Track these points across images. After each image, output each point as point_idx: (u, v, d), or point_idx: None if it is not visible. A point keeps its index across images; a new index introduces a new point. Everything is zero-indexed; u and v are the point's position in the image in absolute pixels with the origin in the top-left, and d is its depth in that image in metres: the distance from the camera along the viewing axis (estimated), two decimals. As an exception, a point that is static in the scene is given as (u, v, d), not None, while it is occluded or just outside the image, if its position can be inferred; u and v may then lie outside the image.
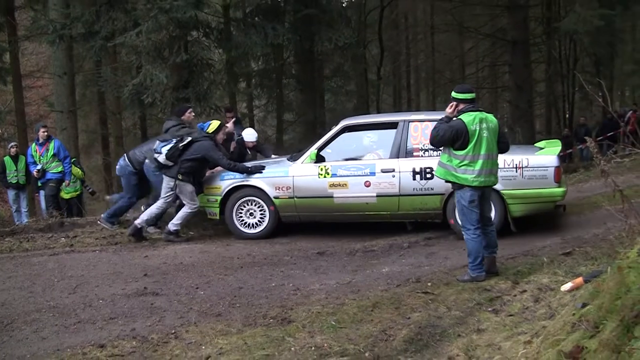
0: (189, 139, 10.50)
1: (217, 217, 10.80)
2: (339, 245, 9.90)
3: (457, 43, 33.53)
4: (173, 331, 6.50)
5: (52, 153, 13.84)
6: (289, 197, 10.30)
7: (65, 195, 14.51)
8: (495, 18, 28.46)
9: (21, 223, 13.16)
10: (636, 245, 5.09)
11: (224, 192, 10.56)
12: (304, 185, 10.23)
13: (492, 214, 9.27)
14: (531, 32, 27.07)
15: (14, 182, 14.91)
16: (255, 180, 10.44)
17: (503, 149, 7.73)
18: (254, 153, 12.41)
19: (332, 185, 10.08)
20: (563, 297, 6.03)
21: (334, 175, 10.07)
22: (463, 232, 7.52)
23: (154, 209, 10.73)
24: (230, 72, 20.17)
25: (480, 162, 7.26)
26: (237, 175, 10.52)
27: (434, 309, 6.62)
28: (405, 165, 9.74)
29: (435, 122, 7.57)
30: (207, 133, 10.64)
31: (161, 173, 10.63)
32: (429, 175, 9.55)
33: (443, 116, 7.56)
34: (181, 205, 10.82)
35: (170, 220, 10.78)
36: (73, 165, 14.43)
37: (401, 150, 9.90)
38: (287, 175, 10.33)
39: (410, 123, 9.96)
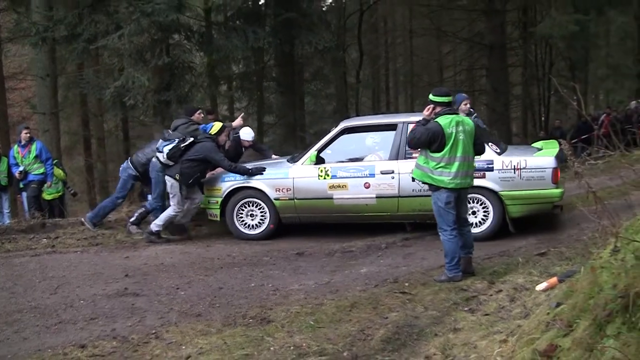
0: (191, 139, 10.52)
1: (218, 219, 10.79)
2: (318, 246, 9.96)
3: (435, 47, 33.65)
4: (153, 331, 6.53)
5: (34, 155, 13.76)
6: (289, 199, 10.32)
7: (47, 196, 14.44)
8: (472, 22, 28.60)
9: (3, 224, 13.08)
10: (609, 245, 5.19)
11: (225, 194, 10.56)
12: (304, 186, 10.25)
13: (490, 214, 9.40)
14: (508, 36, 27.26)
15: (-4, 183, 14.81)
16: (255, 182, 10.45)
17: (479, 151, 7.84)
18: (249, 152, 12.38)
19: (332, 187, 10.10)
20: (538, 297, 6.11)
21: (333, 176, 10.10)
22: (439, 233, 7.61)
23: (188, 205, 10.77)
24: (211, 75, 20.12)
25: (456, 164, 7.36)
26: (238, 177, 10.52)
27: (411, 308, 6.69)
28: (405, 167, 9.71)
29: None
30: (210, 134, 10.65)
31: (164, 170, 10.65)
32: None
33: (420, 118, 7.66)
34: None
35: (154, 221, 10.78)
36: (55, 167, 14.37)
37: (400, 152, 9.91)
38: (287, 177, 10.35)
39: (409, 124, 9.94)
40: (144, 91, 14.41)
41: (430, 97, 7.62)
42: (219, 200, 10.61)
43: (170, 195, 10.60)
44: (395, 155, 9.91)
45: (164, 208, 10.92)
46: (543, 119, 32.09)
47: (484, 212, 9.55)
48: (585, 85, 35.01)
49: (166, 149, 10.43)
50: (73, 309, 7.41)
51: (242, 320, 6.72)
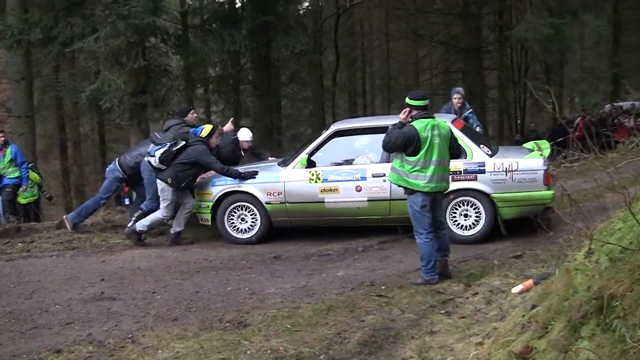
0: (183, 142, 10.44)
1: (209, 223, 10.70)
2: (295, 249, 9.95)
3: (412, 50, 33.75)
4: (130, 336, 6.49)
5: (9, 158, 13.64)
6: (281, 203, 10.26)
7: (22, 200, 14.33)
8: (449, 26, 28.72)
9: (-22, 228, 12.99)
10: (583, 248, 5.22)
11: (216, 198, 10.50)
12: (295, 190, 10.19)
13: (482, 217, 9.41)
14: (484, 39, 27.44)
15: (-29, 187, 14.68)
16: (246, 186, 10.37)
17: (455, 155, 7.87)
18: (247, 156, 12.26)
19: (324, 191, 10.05)
20: (514, 299, 6.15)
21: (325, 180, 10.04)
22: (415, 237, 7.63)
23: (181, 211, 10.72)
24: (187, 78, 20.14)
25: (431, 168, 7.38)
26: (229, 181, 10.45)
27: (387, 311, 6.70)
28: None
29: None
30: (200, 137, 10.58)
31: (156, 174, 10.58)
32: None
33: (396, 122, 7.67)
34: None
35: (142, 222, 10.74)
36: (30, 171, 14.25)
37: (392, 155, 9.88)
38: (278, 181, 10.28)
39: None
40: (120, 94, 14.37)
41: (407, 100, 7.64)
42: (210, 204, 10.53)
43: (161, 199, 10.53)
44: (387, 158, 9.84)
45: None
46: (519, 122, 32.32)
47: (476, 214, 9.52)
48: (561, 88, 35.35)
49: (158, 153, 10.35)
50: (48, 313, 7.35)
51: (218, 324, 6.70)
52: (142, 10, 13.35)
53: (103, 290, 8.12)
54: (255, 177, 10.38)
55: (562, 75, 35.12)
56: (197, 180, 10.77)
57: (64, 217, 11.84)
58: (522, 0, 25.13)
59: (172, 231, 10.67)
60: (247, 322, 6.68)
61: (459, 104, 11.61)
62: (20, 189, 13.97)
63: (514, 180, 9.36)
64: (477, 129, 11.13)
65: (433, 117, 7.59)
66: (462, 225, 9.56)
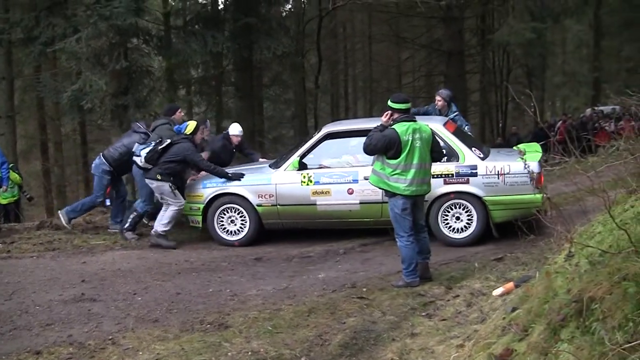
0: (168, 141, 10.34)
1: (200, 225, 10.63)
2: (276, 251, 9.94)
3: (394, 53, 33.85)
4: (110, 337, 6.47)
5: (-11, 159, 13.57)
6: (272, 205, 10.20)
7: (2, 200, 14.26)
8: (431, 29, 28.86)
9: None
10: (563, 251, 5.25)
11: (207, 200, 10.43)
12: (287, 192, 10.13)
13: (474, 220, 9.41)
14: (466, 43, 27.59)
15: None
16: (237, 188, 10.31)
17: (436, 158, 7.88)
18: (235, 154, 12.15)
19: (315, 193, 10.01)
20: (494, 302, 6.17)
21: (316, 182, 10.00)
22: (396, 239, 7.63)
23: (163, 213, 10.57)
24: (169, 80, 20.10)
25: (412, 171, 7.39)
26: (219, 183, 10.39)
27: (369, 313, 6.70)
28: None
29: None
30: (185, 134, 10.50)
31: (143, 174, 10.51)
32: None
33: (378, 124, 7.68)
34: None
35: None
36: (11, 171, 14.15)
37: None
38: (269, 183, 10.22)
39: None
40: (101, 95, 14.33)
41: (389, 103, 7.65)
42: (201, 206, 10.46)
43: (163, 197, 10.37)
44: None
45: (157, 209, 10.80)
46: (500, 125, 32.47)
47: (468, 217, 9.51)
48: (542, 92, 35.57)
49: (143, 153, 10.28)
50: (28, 314, 7.30)
51: (199, 326, 6.69)
52: (124, 11, 13.32)
53: (84, 291, 8.07)
54: (241, 179, 10.35)
55: (543, 79, 35.33)
56: (188, 181, 10.73)
57: (59, 212, 11.75)
58: (505, 4, 25.33)
59: (153, 232, 10.60)
60: (228, 323, 6.67)
61: (439, 106, 11.60)
62: (1, 189, 13.87)
63: (506, 183, 9.35)
64: (465, 129, 11.12)
65: (415, 121, 7.59)
66: (454, 228, 9.57)
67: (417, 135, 7.42)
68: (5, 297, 7.99)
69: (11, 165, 14.56)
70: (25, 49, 16.09)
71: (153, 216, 10.92)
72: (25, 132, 27.96)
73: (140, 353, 6.04)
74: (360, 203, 9.85)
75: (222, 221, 10.45)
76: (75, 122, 23.99)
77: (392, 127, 7.45)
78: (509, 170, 9.34)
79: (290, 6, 27.34)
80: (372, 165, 7.91)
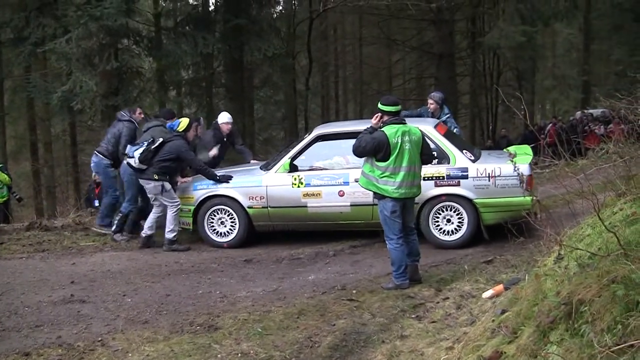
0: (160, 139, 10.27)
1: (191, 227, 10.58)
2: (266, 253, 9.92)
3: (385, 55, 33.89)
4: (99, 339, 6.46)
5: (-21, 160, 13.54)
6: (263, 207, 10.17)
7: (-9, 201, 14.24)
8: (422, 32, 28.89)
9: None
10: (553, 253, 5.28)
11: (197, 202, 10.39)
12: (278, 195, 10.10)
13: (465, 222, 9.41)
14: (456, 46, 27.66)
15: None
16: (229, 190, 10.27)
17: (426, 161, 7.89)
18: (228, 147, 12.11)
19: (306, 195, 9.97)
20: (484, 304, 6.19)
21: (307, 184, 9.96)
22: (386, 242, 7.64)
23: (153, 215, 10.50)
24: (160, 81, 20.06)
25: (401, 174, 7.39)
26: (210, 184, 10.34)
27: (358, 316, 6.71)
28: None
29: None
30: (178, 132, 10.42)
31: (138, 176, 10.43)
32: None
33: (368, 126, 7.69)
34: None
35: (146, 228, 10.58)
36: (0, 172, 14.13)
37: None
38: (260, 185, 10.19)
39: None
40: (91, 96, 14.30)
41: (379, 105, 7.65)
42: (192, 208, 10.42)
43: (157, 197, 10.29)
44: None
45: (145, 211, 10.79)
46: (490, 128, 32.53)
47: (459, 220, 9.51)
48: (532, 95, 35.66)
49: (137, 154, 10.15)
50: (17, 316, 7.27)
51: (189, 328, 6.68)
52: (114, 11, 13.31)
53: (73, 292, 8.05)
54: (229, 182, 10.33)
55: (533, 82, 35.38)
56: (179, 183, 10.70)
57: (94, 228, 11.70)
58: (495, 7, 25.38)
59: (143, 234, 10.55)
60: (217, 325, 6.67)
61: (431, 109, 11.61)
62: (-10, 190, 13.87)
63: (497, 185, 9.36)
64: (454, 131, 11.13)
65: (404, 123, 7.59)
66: (444, 231, 9.57)
67: (407, 138, 7.42)
68: (-6, 298, 7.97)
69: (0, 165, 14.54)
70: (15, 49, 16.06)
71: (143, 215, 10.88)
72: (15, 132, 27.86)
73: (130, 355, 6.04)
74: (351, 205, 9.84)
75: (212, 223, 10.42)
76: (65, 122, 23.96)
77: (382, 129, 7.45)
78: (499, 173, 9.35)
79: (281, 8, 27.40)
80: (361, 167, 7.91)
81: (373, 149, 7.42)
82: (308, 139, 10.44)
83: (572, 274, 4.30)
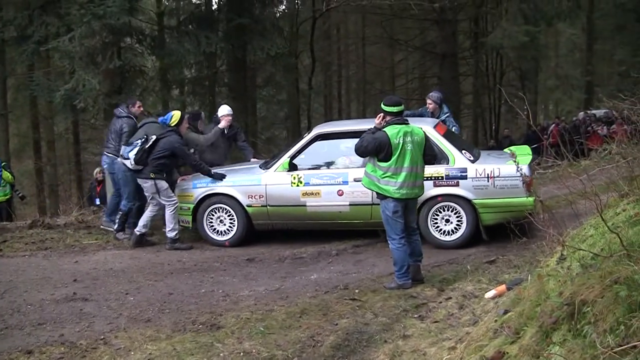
0: (153, 137, 10.20)
1: (190, 226, 10.59)
2: (269, 252, 9.93)
3: (388, 55, 33.84)
4: (102, 337, 6.48)
5: (-19, 158, 13.54)
6: (262, 206, 10.17)
7: (-6, 199, 14.26)
8: (425, 31, 28.84)
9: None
10: (555, 254, 5.27)
11: (197, 200, 10.39)
12: (277, 193, 10.10)
13: (464, 223, 9.40)
14: (459, 45, 27.60)
15: (-58, 186, 14.54)
16: (228, 189, 10.27)
17: (429, 161, 7.88)
18: (229, 142, 12.09)
19: (305, 194, 9.98)
20: (486, 304, 6.19)
21: (306, 184, 9.97)
22: (388, 242, 7.64)
23: (148, 213, 10.48)
24: (163, 79, 20.06)
25: (403, 174, 7.39)
26: (209, 182, 10.35)
27: (361, 315, 6.72)
28: None
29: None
30: (170, 126, 10.36)
31: (134, 175, 10.42)
32: None
33: (371, 127, 7.70)
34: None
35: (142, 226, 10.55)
36: (3, 170, 14.13)
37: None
38: (259, 184, 10.18)
39: None
40: (94, 94, 14.28)
41: (381, 105, 7.65)
42: (191, 206, 10.42)
43: (154, 196, 10.27)
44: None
45: (140, 209, 10.78)
46: (493, 128, 32.50)
47: (457, 220, 9.51)
48: (535, 95, 35.60)
49: (132, 154, 10.12)
50: (20, 314, 7.30)
51: (191, 326, 6.69)
52: (117, 10, 13.29)
53: (76, 290, 8.07)
54: (222, 180, 10.33)
55: (536, 82, 35.37)
56: (178, 181, 10.69)
57: (102, 226, 11.71)
58: (498, 7, 25.35)
59: (136, 231, 10.52)
60: (220, 324, 6.68)
61: (431, 109, 11.61)
62: (-7, 188, 13.89)
63: (496, 186, 9.35)
64: (453, 129, 11.12)
65: (407, 123, 7.59)
66: (443, 231, 9.57)
67: (409, 139, 7.42)
68: (-3, 296, 7.98)
69: (3, 164, 14.55)
70: (19, 48, 16.04)
71: (140, 212, 10.85)
72: (18, 130, 27.88)
73: (132, 353, 6.05)
74: (350, 205, 9.85)
75: (211, 221, 10.43)
76: (68, 121, 23.97)
77: (384, 129, 7.45)
78: (498, 173, 9.35)
79: (284, 7, 27.33)
80: (364, 167, 7.91)
81: (374, 149, 7.43)
82: (307, 138, 10.45)
83: (574, 274, 4.30)
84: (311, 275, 8.54)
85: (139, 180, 10.35)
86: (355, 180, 9.59)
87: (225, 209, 10.35)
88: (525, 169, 9.00)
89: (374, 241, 9.95)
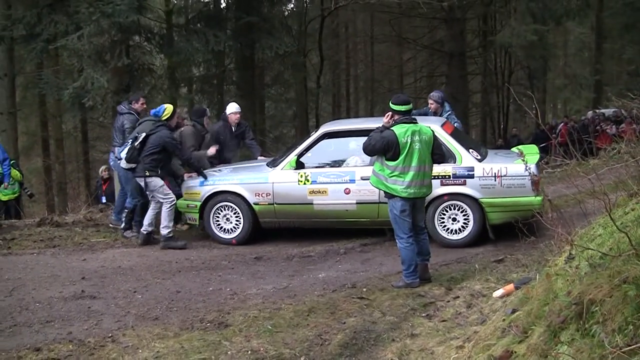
0: (143, 134, 10.17)
1: (197, 223, 10.64)
2: (277, 250, 9.93)
3: (396, 53, 33.80)
4: (110, 335, 6.49)
5: (-10, 155, 13.55)
6: (269, 204, 10.18)
7: (3, 197, 14.29)
8: (433, 30, 28.82)
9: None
10: (564, 253, 5.26)
11: (204, 198, 10.39)
12: (284, 191, 10.11)
13: (471, 222, 9.38)
14: (468, 44, 27.58)
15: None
16: (235, 186, 10.29)
17: (438, 160, 7.86)
18: (238, 139, 12.07)
19: (312, 192, 9.98)
20: (494, 303, 6.18)
21: (313, 182, 9.97)
22: (396, 240, 7.64)
23: (151, 211, 10.44)
24: (171, 78, 20.10)
25: (410, 174, 7.38)
26: (217, 180, 10.37)
27: (369, 314, 6.71)
28: None
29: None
30: (161, 120, 10.32)
31: (133, 175, 10.41)
32: None
33: (379, 125, 7.69)
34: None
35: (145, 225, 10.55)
36: (12, 168, 14.15)
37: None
38: (266, 182, 10.19)
39: None
40: (103, 92, 14.34)
41: (390, 104, 7.64)
42: (198, 204, 10.43)
43: (153, 194, 10.25)
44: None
45: (145, 206, 10.73)
46: (502, 127, 32.44)
47: (464, 219, 9.49)
48: (544, 94, 35.53)
49: (123, 154, 10.18)
50: (28, 311, 7.32)
51: (199, 324, 6.70)
52: (126, 8, 13.34)
53: (84, 288, 8.09)
54: (207, 179, 10.38)
55: (545, 81, 35.26)
56: (185, 178, 10.69)
57: (110, 225, 11.75)
58: (506, 6, 25.32)
59: (143, 231, 10.51)
60: (228, 322, 6.69)
61: (432, 109, 11.61)
62: (2, 186, 13.87)
63: (503, 185, 9.32)
64: (455, 126, 11.10)
65: (415, 122, 7.58)
66: (450, 229, 9.56)
67: (417, 138, 7.41)
68: (5, 293, 8.01)
69: (12, 162, 14.56)
70: (27, 46, 16.08)
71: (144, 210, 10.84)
72: (27, 129, 27.96)
73: (140, 351, 6.06)
74: (357, 203, 9.84)
75: (217, 219, 10.45)
76: (77, 119, 24.09)
77: (391, 128, 7.44)
78: (506, 172, 9.33)
79: (292, 5, 27.39)
80: (371, 165, 7.90)
81: (382, 148, 7.42)
82: (315, 136, 10.44)
83: (583, 273, 4.30)
84: (319, 273, 8.54)
85: (137, 179, 10.35)
86: (363, 178, 9.58)
87: (232, 207, 10.35)
88: (533, 168, 9.01)
89: (382, 240, 9.94)
